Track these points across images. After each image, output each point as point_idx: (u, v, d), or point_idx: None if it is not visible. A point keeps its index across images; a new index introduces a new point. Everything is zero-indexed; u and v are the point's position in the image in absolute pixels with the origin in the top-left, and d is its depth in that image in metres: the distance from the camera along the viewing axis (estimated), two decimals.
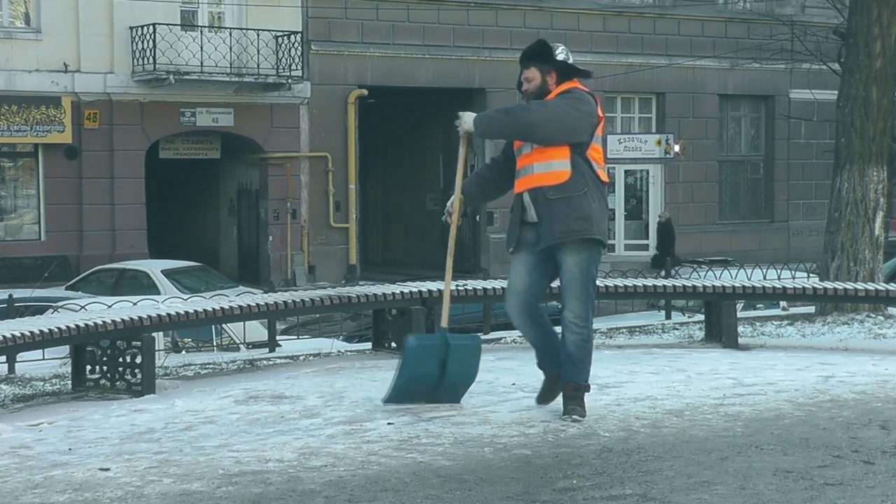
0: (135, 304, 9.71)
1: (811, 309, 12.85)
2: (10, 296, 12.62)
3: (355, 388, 7.80)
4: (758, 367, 8.53)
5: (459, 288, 9.48)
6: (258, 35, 26.02)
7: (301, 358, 9.91)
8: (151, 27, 24.85)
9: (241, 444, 6.21)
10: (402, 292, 9.33)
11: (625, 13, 30.73)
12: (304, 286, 24.57)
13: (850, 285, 10.34)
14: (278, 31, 26.36)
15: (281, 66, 26.35)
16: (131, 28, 25.18)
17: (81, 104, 25.10)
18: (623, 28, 30.66)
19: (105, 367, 8.23)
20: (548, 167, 6.62)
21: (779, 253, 29.52)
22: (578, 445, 6.09)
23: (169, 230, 30.03)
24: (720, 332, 9.96)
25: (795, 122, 32.24)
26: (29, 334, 7.55)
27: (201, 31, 25.89)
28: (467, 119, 6.80)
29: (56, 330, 7.73)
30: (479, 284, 9.70)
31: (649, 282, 10.53)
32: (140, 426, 6.81)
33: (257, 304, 8.93)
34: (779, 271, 13.78)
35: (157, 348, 9.19)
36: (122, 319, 8.04)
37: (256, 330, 13.49)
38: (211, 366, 9.78)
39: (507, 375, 8.13)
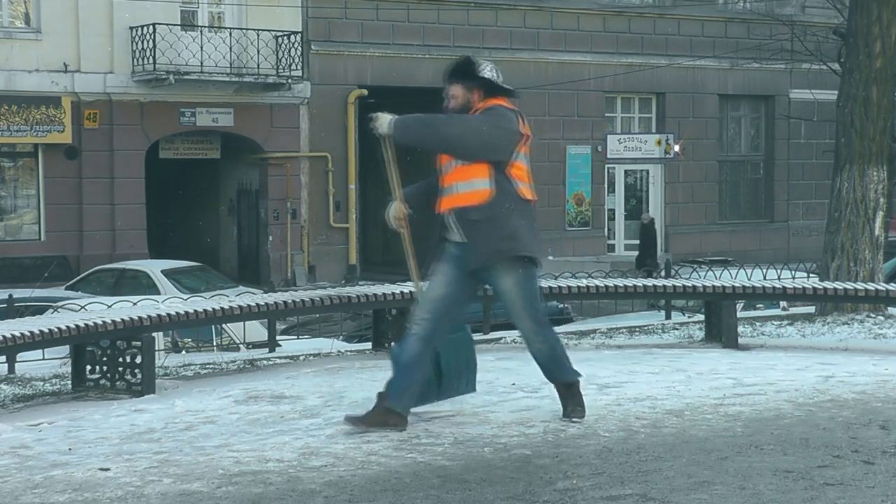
0: (135, 304, 9.71)
1: (811, 309, 12.85)
2: (10, 296, 12.62)
3: (355, 388, 7.81)
4: (758, 367, 8.53)
5: None
6: (258, 35, 26.02)
7: (301, 358, 9.91)
8: (151, 27, 24.85)
9: (241, 444, 6.21)
10: (402, 292, 9.33)
11: (625, 13, 30.74)
12: (304, 286, 24.55)
13: (850, 285, 10.33)
14: (278, 31, 26.36)
15: (281, 66, 26.35)
16: (131, 28, 25.18)
17: (81, 104, 25.10)
18: (623, 28, 30.66)
19: (105, 367, 8.23)
20: (469, 186, 6.44)
21: (779, 253, 29.54)
22: (578, 445, 6.09)
23: (169, 230, 30.03)
24: (720, 332, 9.96)
25: (795, 122, 32.25)
26: (29, 334, 7.55)
27: (201, 31, 25.89)
28: (384, 121, 6.47)
29: (56, 330, 7.73)
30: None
31: (649, 282, 10.53)
32: (140, 426, 6.81)
33: (257, 304, 8.93)
34: (779, 271, 13.77)
35: (157, 348, 9.19)
36: (122, 319, 8.04)
37: (256, 330, 13.49)
38: (211, 366, 9.78)
39: (507, 375, 8.13)
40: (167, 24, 25.07)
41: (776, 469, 5.55)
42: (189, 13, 26.58)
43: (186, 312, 8.45)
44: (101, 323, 7.92)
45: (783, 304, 14.35)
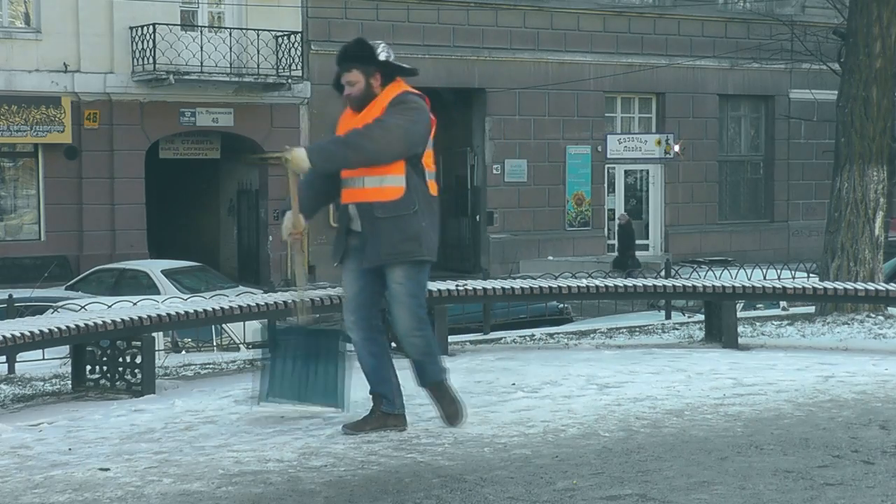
0: (135, 304, 9.71)
1: (811, 309, 12.86)
2: (10, 296, 12.61)
3: (355, 387, 7.78)
4: (758, 367, 8.53)
5: (459, 288, 9.48)
6: (258, 35, 26.02)
7: None
8: (151, 27, 24.85)
9: (241, 444, 6.21)
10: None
11: (625, 13, 30.73)
12: (304, 286, 24.52)
13: (850, 285, 10.34)
14: (278, 31, 26.36)
15: (281, 66, 26.35)
16: (131, 28, 25.18)
17: (81, 104, 25.10)
18: (623, 28, 30.66)
19: (105, 367, 8.23)
20: (380, 182, 6.25)
21: (779, 253, 29.53)
22: (578, 445, 6.09)
23: (169, 230, 30.03)
24: (720, 332, 9.96)
25: (795, 122, 32.24)
26: (29, 334, 7.55)
27: (201, 31, 25.89)
28: (300, 157, 6.14)
29: (56, 330, 7.73)
30: (479, 284, 9.69)
31: (649, 282, 10.53)
32: (140, 426, 6.81)
33: (257, 304, 8.93)
34: (779, 271, 13.77)
35: (157, 348, 9.19)
36: (122, 319, 8.04)
37: (256, 330, 13.48)
38: (211, 366, 9.78)
39: (507, 375, 8.13)
40: (167, 24, 25.06)
41: (776, 469, 5.55)
42: (189, 13, 26.58)
43: (186, 312, 8.45)
44: (101, 323, 7.92)
45: (783, 304, 14.35)
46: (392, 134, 6.16)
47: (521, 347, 10.31)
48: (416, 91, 6.38)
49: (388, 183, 6.25)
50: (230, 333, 13.90)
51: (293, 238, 6.57)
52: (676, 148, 30.65)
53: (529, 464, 5.73)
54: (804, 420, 6.70)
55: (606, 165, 30.86)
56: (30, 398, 8.29)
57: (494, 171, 29.31)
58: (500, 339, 10.91)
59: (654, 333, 11.42)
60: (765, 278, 13.10)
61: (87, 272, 22.55)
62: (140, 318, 8.13)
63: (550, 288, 9.84)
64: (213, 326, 13.24)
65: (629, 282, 10.35)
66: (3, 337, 7.43)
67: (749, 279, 12.87)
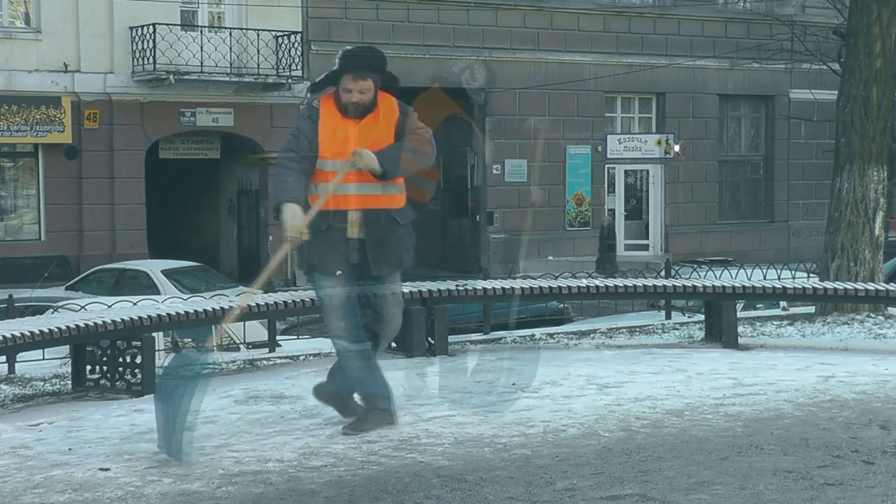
0: (135, 304, 9.70)
1: (811, 309, 12.85)
2: (10, 296, 12.59)
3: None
4: (758, 367, 8.53)
5: (459, 288, 9.48)
6: (258, 35, 26.02)
7: (301, 358, 9.90)
8: (151, 27, 24.85)
9: (241, 444, 6.21)
10: (401, 292, 9.30)
11: (625, 13, 30.73)
12: (304, 286, 24.54)
13: (850, 285, 10.33)
14: (278, 31, 26.36)
15: (281, 66, 26.34)
16: (131, 28, 25.18)
17: (81, 104, 25.09)
18: (623, 28, 30.65)
19: (105, 367, 8.23)
20: (399, 189, 6.42)
21: (779, 253, 29.52)
22: (578, 445, 6.09)
23: (169, 230, 30.03)
24: (720, 332, 9.96)
25: (795, 122, 32.24)
26: (29, 334, 7.55)
27: (201, 31, 25.89)
28: (369, 155, 6.21)
29: (56, 330, 7.73)
30: (479, 284, 9.69)
31: (649, 282, 10.53)
32: (140, 426, 6.80)
33: (257, 304, 8.93)
34: (779, 271, 13.76)
35: (157, 348, 9.19)
36: (122, 319, 8.04)
37: (256, 330, 13.47)
38: (211, 366, 9.76)
39: (507, 375, 8.12)
40: (167, 24, 25.06)
41: (776, 469, 5.55)
42: (189, 13, 26.57)
43: (186, 312, 8.45)
44: (101, 323, 7.92)
45: (783, 304, 14.34)
46: (432, 143, 6.42)
47: (522, 348, 10.31)
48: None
49: (401, 191, 6.47)
50: (230, 333, 13.88)
51: (299, 237, 6.53)
52: (676, 148, 30.64)
53: (529, 464, 5.73)
54: (804, 420, 6.70)
55: (606, 165, 30.85)
56: (30, 398, 8.29)
57: (494, 171, 29.31)
58: (501, 339, 10.90)
59: (655, 333, 11.42)
60: (765, 278, 13.08)
61: (87, 272, 22.53)
62: (140, 318, 8.13)
63: (550, 288, 9.84)
64: (213, 326, 13.21)
65: (629, 282, 10.34)
66: (3, 337, 7.43)
67: (749, 279, 12.85)
